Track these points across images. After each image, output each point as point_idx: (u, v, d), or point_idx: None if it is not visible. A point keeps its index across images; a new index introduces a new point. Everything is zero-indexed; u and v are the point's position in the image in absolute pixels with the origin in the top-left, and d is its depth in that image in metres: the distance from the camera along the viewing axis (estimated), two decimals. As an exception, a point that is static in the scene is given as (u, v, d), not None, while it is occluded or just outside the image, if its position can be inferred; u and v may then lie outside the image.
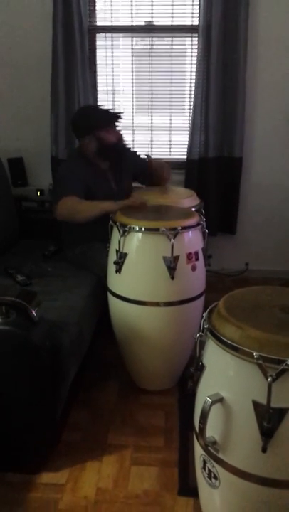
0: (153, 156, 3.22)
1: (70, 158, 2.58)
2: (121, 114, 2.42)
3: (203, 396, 1.18)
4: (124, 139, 2.47)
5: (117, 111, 2.48)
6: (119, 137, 2.42)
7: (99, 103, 3.16)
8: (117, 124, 2.41)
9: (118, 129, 2.44)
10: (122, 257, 1.93)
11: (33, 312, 1.54)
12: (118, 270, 1.94)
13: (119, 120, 2.42)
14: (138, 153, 2.72)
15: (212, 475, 1.22)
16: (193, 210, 2.24)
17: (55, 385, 1.69)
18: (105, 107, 2.53)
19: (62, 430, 1.88)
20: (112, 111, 2.46)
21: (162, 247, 1.86)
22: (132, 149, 2.75)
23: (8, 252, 2.58)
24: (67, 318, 1.86)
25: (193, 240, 1.96)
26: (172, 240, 1.84)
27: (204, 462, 1.25)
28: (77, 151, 2.51)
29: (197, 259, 1.95)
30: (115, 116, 2.41)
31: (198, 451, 1.27)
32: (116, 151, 2.39)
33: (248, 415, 1.10)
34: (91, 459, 1.74)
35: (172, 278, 1.87)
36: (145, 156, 2.68)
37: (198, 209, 2.34)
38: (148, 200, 2.32)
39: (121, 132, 2.45)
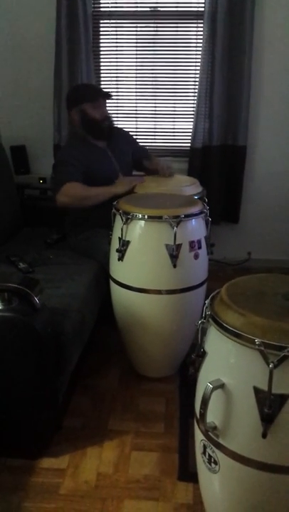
0: (156, 144, 3.23)
1: (70, 140, 2.59)
2: (110, 94, 2.49)
3: (204, 382, 1.19)
4: (111, 120, 2.52)
5: (106, 90, 2.56)
6: (105, 116, 2.44)
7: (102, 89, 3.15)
8: (103, 101, 2.45)
9: (106, 109, 2.48)
10: (124, 244, 1.92)
11: (36, 299, 1.54)
12: (120, 258, 1.94)
13: (106, 97, 2.47)
14: (137, 141, 2.77)
15: (212, 460, 1.23)
16: (195, 198, 2.23)
17: (57, 371, 1.70)
18: (96, 85, 2.61)
19: (63, 416, 1.89)
20: (100, 88, 2.53)
21: (165, 235, 1.86)
22: (132, 135, 2.76)
23: (10, 240, 2.58)
24: (69, 306, 1.86)
25: (196, 228, 1.95)
26: (175, 228, 1.84)
27: (204, 447, 1.25)
28: (75, 132, 2.51)
29: (200, 247, 1.95)
30: (102, 93, 2.46)
31: (199, 436, 1.28)
32: (98, 128, 2.41)
33: (249, 401, 1.11)
34: (92, 445, 1.75)
35: (174, 266, 1.87)
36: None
37: (201, 197, 2.33)
38: (150, 188, 2.32)
39: (108, 114, 2.50)
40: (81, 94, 2.44)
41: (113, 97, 3.14)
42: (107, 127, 2.44)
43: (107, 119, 2.46)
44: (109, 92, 2.52)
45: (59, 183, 2.23)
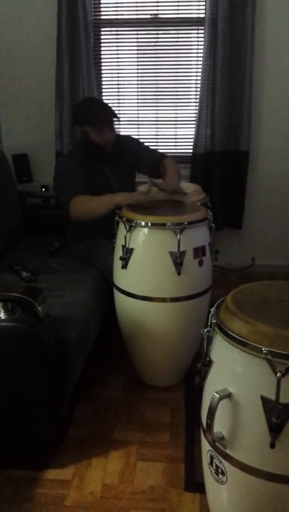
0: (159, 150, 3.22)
1: (70, 152, 2.52)
2: (116, 115, 2.35)
3: (210, 391, 1.17)
4: (117, 142, 2.38)
5: (114, 111, 2.35)
6: (108, 141, 2.31)
7: (104, 97, 3.15)
8: (109, 128, 2.30)
9: (111, 133, 2.33)
10: (128, 252, 1.91)
11: (39, 308, 1.53)
12: (124, 266, 1.93)
13: (112, 122, 2.33)
14: (147, 146, 2.57)
15: (219, 471, 1.21)
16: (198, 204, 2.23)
17: (61, 380, 1.68)
18: (108, 106, 2.40)
19: (68, 426, 1.87)
20: (108, 112, 2.33)
21: (169, 242, 1.85)
22: (139, 141, 2.60)
23: (13, 249, 2.57)
24: (72, 314, 1.85)
25: (200, 234, 1.94)
26: (179, 235, 1.82)
27: (211, 458, 1.23)
28: (77, 145, 2.47)
29: (204, 254, 1.94)
30: (107, 121, 2.30)
31: (206, 446, 1.26)
32: (99, 153, 2.33)
33: (256, 411, 1.09)
34: (97, 455, 1.73)
35: (179, 273, 1.85)
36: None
37: (204, 203, 2.33)
38: (154, 195, 2.31)
39: (113, 135, 2.35)
40: (86, 116, 2.31)
41: (115, 105, 3.16)
42: (108, 153, 2.35)
43: (111, 144, 2.34)
44: (115, 112, 2.35)
45: (66, 198, 2.19)
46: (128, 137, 2.58)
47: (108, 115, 2.33)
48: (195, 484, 1.58)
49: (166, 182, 2.34)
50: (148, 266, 1.91)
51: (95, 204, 2.15)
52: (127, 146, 2.48)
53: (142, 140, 3.11)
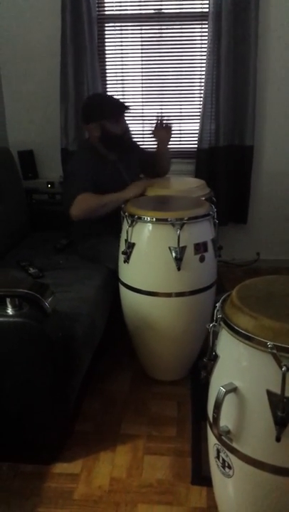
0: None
1: (80, 151, 2.55)
2: (129, 106, 2.43)
3: (216, 386, 1.18)
4: (130, 132, 2.47)
5: (125, 102, 2.45)
6: (125, 130, 2.41)
7: (108, 93, 3.15)
8: (124, 115, 2.40)
9: (125, 121, 2.42)
10: (130, 246, 1.92)
11: (46, 304, 1.54)
12: (126, 260, 1.94)
13: (127, 112, 2.42)
14: (142, 147, 2.72)
15: (226, 464, 1.22)
16: (202, 199, 2.22)
17: (69, 375, 1.70)
18: (115, 97, 2.50)
19: (75, 420, 1.89)
20: (120, 101, 2.44)
21: (169, 237, 1.85)
22: (136, 142, 2.72)
23: (19, 245, 2.59)
24: (79, 310, 1.86)
25: (201, 230, 1.93)
26: (178, 231, 1.82)
27: (218, 452, 1.25)
28: (86, 143, 2.49)
29: (205, 250, 1.93)
30: (123, 108, 2.40)
31: (212, 440, 1.27)
32: (119, 143, 2.37)
33: (262, 405, 1.10)
34: (104, 449, 1.75)
35: (179, 269, 1.85)
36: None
37: (209, 198, 2.32)
38: (159, 191, 2.32)
39: (128, 125, 2.45)
40: (102, 110, 2.36)
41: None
42: (127, 141, 2.42)
43: (128, 131, 2.43)
44: (126, 103, 2.45)
45: (70, 197, 2.21)
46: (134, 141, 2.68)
47: (119, 104, 2.41)
48: (202, 478, 1.59)
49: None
50: (149, 260, 1.92)
51: (101, 202, 2.19)
52: (133, 146, 2.59)
53: (146, 136, 3.15)
